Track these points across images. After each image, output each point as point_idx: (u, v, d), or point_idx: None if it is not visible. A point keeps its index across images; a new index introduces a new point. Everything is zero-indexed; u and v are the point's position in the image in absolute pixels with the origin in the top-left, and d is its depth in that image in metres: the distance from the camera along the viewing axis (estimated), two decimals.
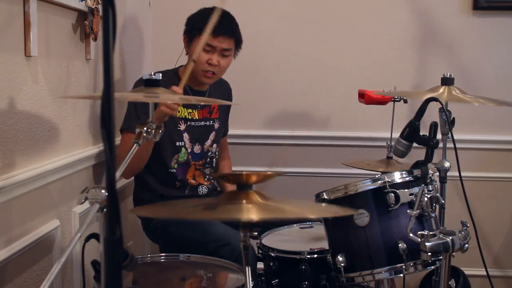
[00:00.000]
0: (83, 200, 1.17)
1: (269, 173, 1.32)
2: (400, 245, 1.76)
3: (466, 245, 1.66)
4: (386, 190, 1.81)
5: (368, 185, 1.84)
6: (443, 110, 2.07)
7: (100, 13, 2.06)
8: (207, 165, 2.47)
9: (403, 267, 1.78)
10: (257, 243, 2.21)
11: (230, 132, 2.74)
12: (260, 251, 2.20)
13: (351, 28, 3.04)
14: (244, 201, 1.21)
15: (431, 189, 1.82)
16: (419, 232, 1.64)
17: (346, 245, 1.86)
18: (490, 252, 3.08)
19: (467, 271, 2.70)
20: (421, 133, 1.93)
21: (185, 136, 2.39)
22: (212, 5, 2.39)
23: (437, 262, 1.73)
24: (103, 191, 1.13)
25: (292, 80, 3.07)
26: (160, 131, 1.56)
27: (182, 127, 2.38)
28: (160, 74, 1.57)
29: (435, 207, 1.82)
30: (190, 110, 2.40)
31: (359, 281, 1.85)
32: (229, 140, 2.78)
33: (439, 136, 1.92)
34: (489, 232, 3.05)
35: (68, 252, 1.09)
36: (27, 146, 1.74)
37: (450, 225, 1.85)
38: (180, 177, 2.39)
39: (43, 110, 1.83)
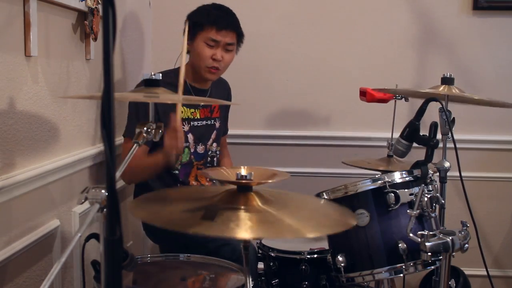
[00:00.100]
0: (83, 200, 1.16)
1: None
2: (400, 245, 1.76)
3: (466, 245, 1.66)
4: (386, 190, 1.81)
5: (368, 185, 1.84)
6: (443, 110, 2.06)
7: (100, 13, 2.06)
8: (208, 165, 2.48)
9: (403, 267, 1.78)
10: (257, 243, 2.21)
11: (230, 132, 2.74)
12: (260, 251, 2.20)
13: (351, 28, 3.04)
14: (243, 207, 1.19)
15: (431, 189, 1.82)
16: (419, 232, 1.64)
17: (346, 245, 1.86)
18: (490, 252, 3.09)
19: (467, 271, 2.69)
20: (421, 133, 1.93)
21: (190, 137, 2.39)
22: (211, 2, 2.41)
23: (437, 262, 1.73)
24: (103, 191, 1.13)
25: (292, 80, 3.07)
26: (160, 131, 1.56)
27: (186, 128, 2.38)
28: (160, 74, 1.57)
29: (435, 207, 1.82)
30: (192, 110, 2.40)
31: (359, 281, 1.85)
32: (229, 140, 2.78)
33: (439, 136, 1.92)
34: (489, 232, 3.05)
35: (68, 252, 1.09)
36: (27, 146, 1.74)
37: (450, 225, 1.85)
38: (182, 179, 2.39)
39: (43, 110, 1.83)
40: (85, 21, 2.04)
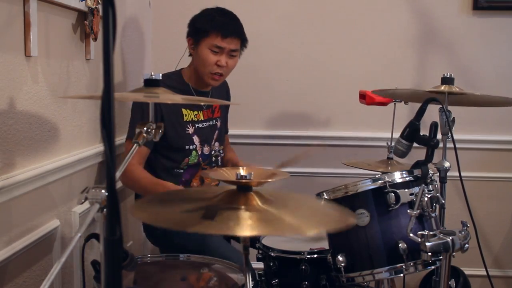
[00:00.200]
0: (83, 200, 1.16)
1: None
2: (400, 245, 1.76)
3: (466, 245, 1.66)
4: (386, 190, 1.80)
5: (368, 185, 1.84)
6: (443, 110, 2.06)
7: (100, 13, 2.06)
8: (213, 165, 2.48)
9: (403, 267, 1.78)
10: (257, 243, 2.21)
11: (231, 132, 2.74)
12: (260, 251, 2.20)
13: (351, 28, 3.04)
14: (243, 207, 1.19)
15: (431, 189, 1.82)
16: (419, 232, 1.64)
17: (346, 245, 1.86)
18: (490, 252, 3.09)
19: (467, 271, 2.69)
20: (421, 133, 1.93)
21: (195, 139, 2.39)
22: (214, 5, 2.40)
23: (437, 262, 1.72)
24: (103, 191, 1.13)
25: (292, 80, 3.07)
26: (160, 131, 1.55)
27: (191, 130, 2.38)
28: (160, 74, 1.57)
29: (435, 207, 1.82)
30: (196, 112, 2.40)
31: (359, 281, 1.85)
32: (229, 140, 2.78)
33: (439, 136, 1.92)
34: (489, 232, 3.06)
35: (68, 252, 1.09)
36: (27, 146, 1.73)
37: (450, 225, 1.85)
38: (186, 179, 2.39)
39: (43, 110, 1.83)
40: (85, 21, 2.04)
